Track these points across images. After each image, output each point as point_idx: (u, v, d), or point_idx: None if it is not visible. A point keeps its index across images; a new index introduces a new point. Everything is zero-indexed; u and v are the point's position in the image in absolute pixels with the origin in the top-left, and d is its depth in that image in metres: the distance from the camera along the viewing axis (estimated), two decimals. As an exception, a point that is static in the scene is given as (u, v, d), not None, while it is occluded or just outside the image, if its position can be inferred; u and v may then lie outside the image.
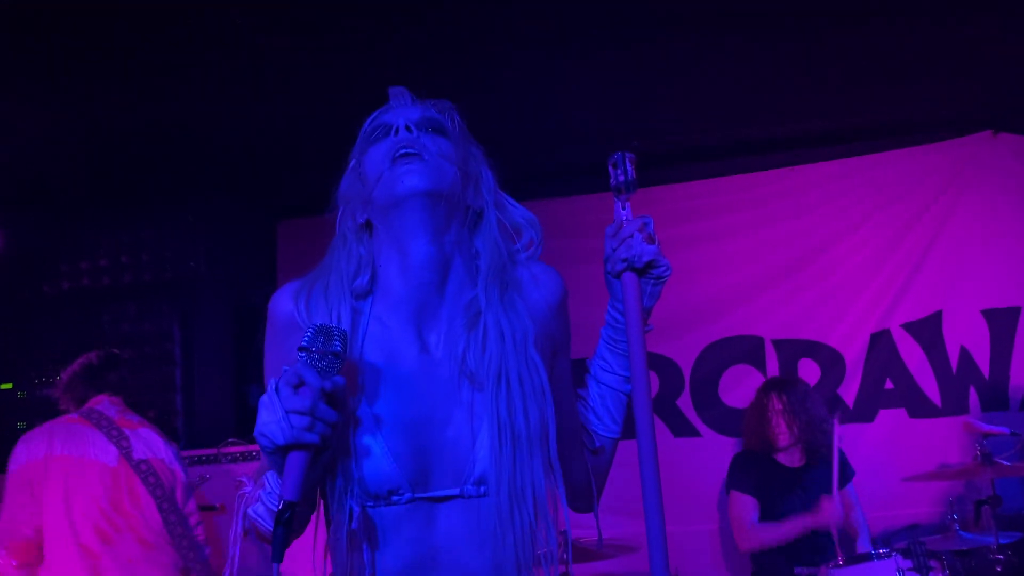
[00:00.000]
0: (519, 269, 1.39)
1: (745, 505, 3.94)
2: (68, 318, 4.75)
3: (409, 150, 1.29)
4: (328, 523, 1.30)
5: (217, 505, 3.68)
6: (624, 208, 1.44)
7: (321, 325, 1.19)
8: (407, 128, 1.31)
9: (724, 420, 4.58)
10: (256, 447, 1.19)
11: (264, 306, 1.36)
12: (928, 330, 4.45)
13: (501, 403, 1.25)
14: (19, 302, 4.76)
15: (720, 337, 4.65)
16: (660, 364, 4.65)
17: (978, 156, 4.49)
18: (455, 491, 1.27)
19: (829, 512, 3.64)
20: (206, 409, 4.45)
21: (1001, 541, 3.43)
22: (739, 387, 4.58)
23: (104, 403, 3.15)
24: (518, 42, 3.54)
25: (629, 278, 1.43)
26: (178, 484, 3.12)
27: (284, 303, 1.32)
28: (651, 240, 1.41)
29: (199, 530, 3.13)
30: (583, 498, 1.50)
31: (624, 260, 1.40)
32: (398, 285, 1.32)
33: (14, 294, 4.76)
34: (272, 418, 1.13)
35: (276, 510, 1.15)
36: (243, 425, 4.28)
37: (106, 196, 4.62)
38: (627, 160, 1.44)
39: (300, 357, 1.16)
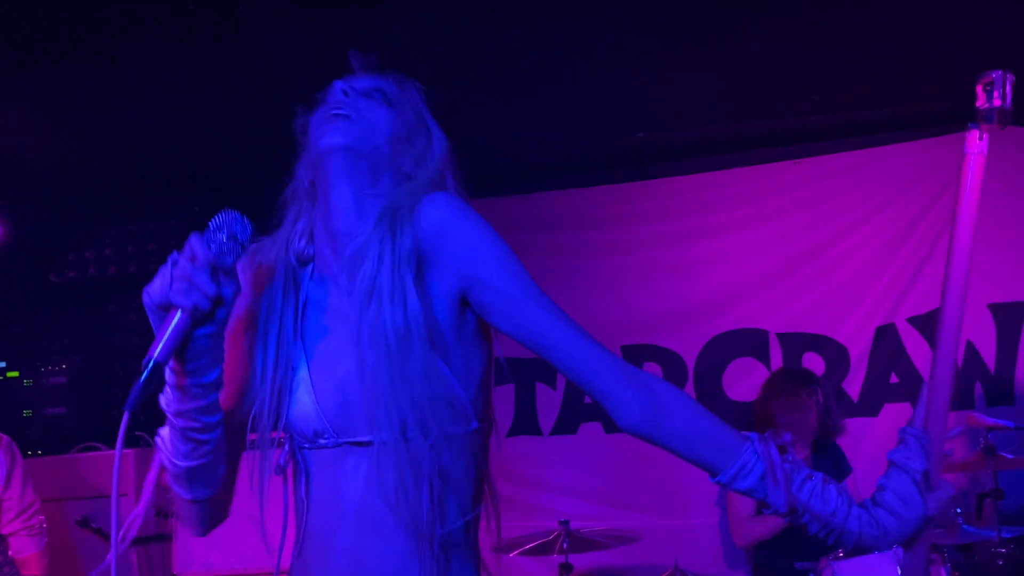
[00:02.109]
0: (430, 197, 1.31)
1: (742, 501, 3.94)
2: (75, 308, 4.77)
3: (339, 111, 1.33)
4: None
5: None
6: (981, 139, 1.18)
7: (227, 213, 1.23)
8: (344, 92, 1.35)
9: (727, 413, 4.57)
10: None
11: None
12: (934, 324, 4.43)
13: (366, 322, 1.23)
14: (26, 291, 4.78)
15: (724, 330, 4.65)
16: (663, 357, 4.65)
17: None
18: (367, 437, 1.26)
19: None
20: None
21: (1004, 535, 3.42)
22: (743, 381, 4.58)
23: None
24: (519, 30, 3.53)
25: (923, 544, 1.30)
26: None
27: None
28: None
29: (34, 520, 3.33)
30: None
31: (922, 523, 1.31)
32: (323, 235, 1.36)
33: (22, 283, 4.78)
34: (158, 280, 1.18)
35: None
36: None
37: (112, 187, 4.64)
38: (1008, 83, 1.19)
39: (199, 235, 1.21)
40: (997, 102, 1.15)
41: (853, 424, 4.33)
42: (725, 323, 4.65)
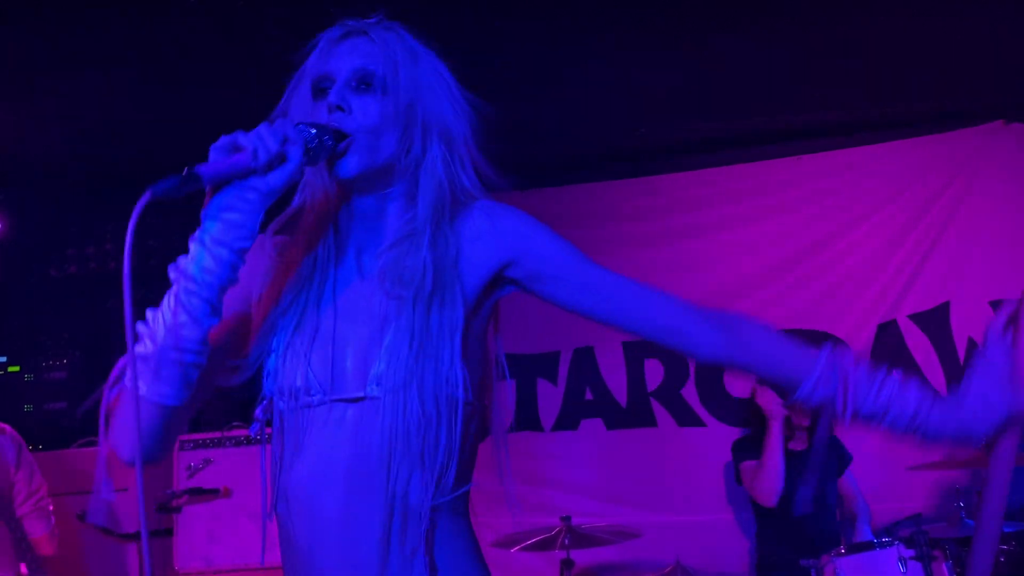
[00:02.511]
0: (469, 205, 1.37)
1: (756, 468, 3.92)
2: (75, 302, 4.76)
3: (340, 127, 1.30)
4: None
5: (221, 488, 3.70)
6: None
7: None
8: (339, 107, 1.30)
9: (729, 410, 4.57)
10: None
11: None
12: (936, 321, 4.44)
13: (405, 312, 1.27)
14: (27, 286, 4.78)
15: (726, 326, 4.64)
16: (663, 353, 4.64)
17: (989, 146, 4.46)
18: (360, 393, 1.28)
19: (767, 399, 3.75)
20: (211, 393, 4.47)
21: (1005, 530, 3.42)
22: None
23: None
24: (529, 24, 3.52)
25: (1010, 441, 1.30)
26: None
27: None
28: None
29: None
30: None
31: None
32: (344, 217, 1.38)
33: (22, 278, 4.78)
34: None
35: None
36: (248, 409, 4.29)
37: (112, 182, 4.62)
38: None
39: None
40: None
41: (854, 420, 4.32)
42: (726, 319, 4.64)
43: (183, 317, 1.19)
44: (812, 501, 3.90)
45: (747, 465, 3.99)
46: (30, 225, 4.68)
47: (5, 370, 4.59)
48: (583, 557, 3.88)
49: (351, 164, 1.29)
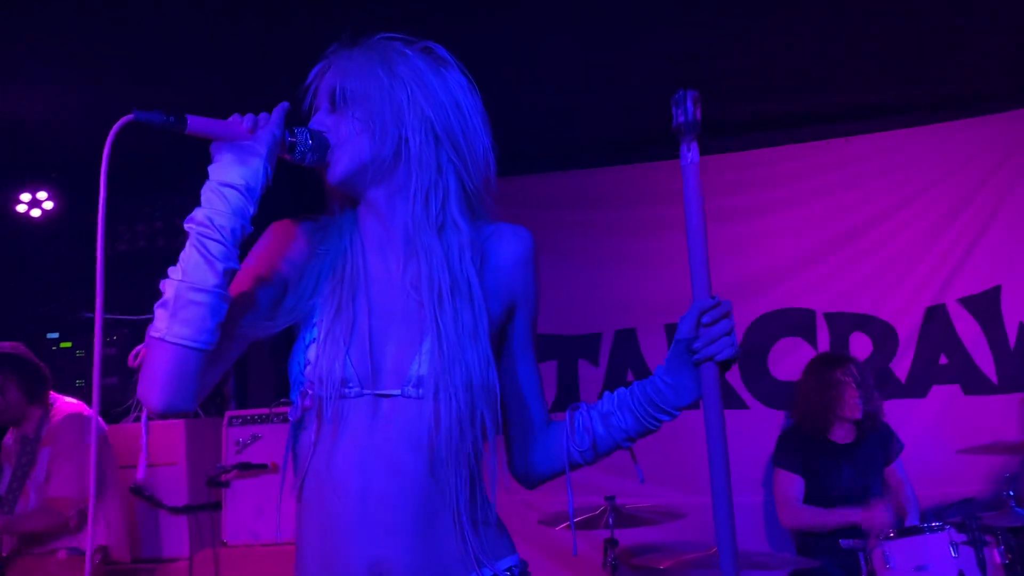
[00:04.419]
0: (485, 225, 1.47)
1: (791, 484, 3.94)
2: (125, 279, 4.84)
3: (324, 141, 1.43)
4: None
5: (268, 464, 3.77)
6: (689, 149, 1.42)
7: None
8: (318, 130, 1.43)
9: (772, 393, 4.55)
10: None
11: None
12: (985, 305, 4.36)
13: (438, 314, 1.38)
14: (78, 264, 4.87)
15: (771, 309, 4.61)
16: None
17: (1042, 127, 4.37)
18: (397, 391, 1.37)
19: (880, 519, 3.62)
20: (259, 369, 4.54)
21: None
22: (788, 360, 4.54)
23: None
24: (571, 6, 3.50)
25: (710, 370, 1.43)
26: None
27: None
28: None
29: None
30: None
31: (710, 356, 1.43)
32: (362, 211, 1.49)
33: (73, 256, 4.88)
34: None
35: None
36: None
37: (161, 161, 4.70)
38: (689, 99, 1.40)
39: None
40: (682, 118, 1.40)
41: (900, 405, 4.28)
42: (771, 302, 4.61)
43: (196, 259, 1.30)
44: (859, 490, 3.88)
45: (780, 476, 3.98)
46: (82, 204, 4.77)
47: (57, 346, 4.69)
48: (627, 537, 3.88)
49: (335, 171, 1.43)
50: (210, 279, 1.30)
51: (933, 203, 4.47)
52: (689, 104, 1.40)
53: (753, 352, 4.60)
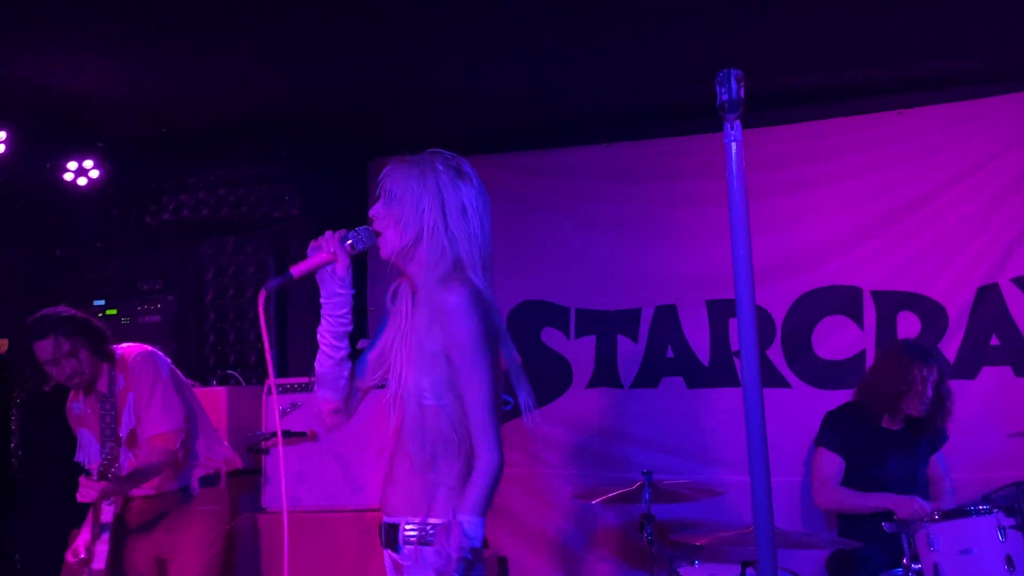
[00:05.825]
0: (453, 281, 2.04)
1: (831, 463, 3.88)
2: (169, 249, 4.91)
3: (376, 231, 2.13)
4: None
5: (308, 432, 3.80)
6: (732, 127, 1.43)
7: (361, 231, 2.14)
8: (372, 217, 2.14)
9: (816, 372, 4.47)
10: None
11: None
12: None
13: (412, 341, 2.08)
14: (124, 233, 4.94)
15: (816, 286, 4.52)
16: (750, 312, 4.55)
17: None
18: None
19: (916, 508, 3.56)
20: (299, 339, 4.57)
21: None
22: (833, 338, 4.46)
23: None
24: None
25: (750, 351, 1.61)
26: None
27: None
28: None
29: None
30: None
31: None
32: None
33: (120, 225, 4.95)
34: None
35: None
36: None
37: (206, 134, 4.73)
38: (732, 78, 1.42)
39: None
40: (726, 95, 1.43)
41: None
42: (816, 279, 4.52)
43: (321, 354, 2.16)
44: (901, 478, 3.81)
45: (822, 454, 3.92)
46: (127, 173, 4.82)
47: (104, 313, 4.77)
48: (663, 512, 3.87)
49: (383, 251, 2.11)
50: (329, 364, 2.16)
51: (988, 179, 4.33)
52: (733, 83, 1.43)
53: (796, 330, 4.51)
